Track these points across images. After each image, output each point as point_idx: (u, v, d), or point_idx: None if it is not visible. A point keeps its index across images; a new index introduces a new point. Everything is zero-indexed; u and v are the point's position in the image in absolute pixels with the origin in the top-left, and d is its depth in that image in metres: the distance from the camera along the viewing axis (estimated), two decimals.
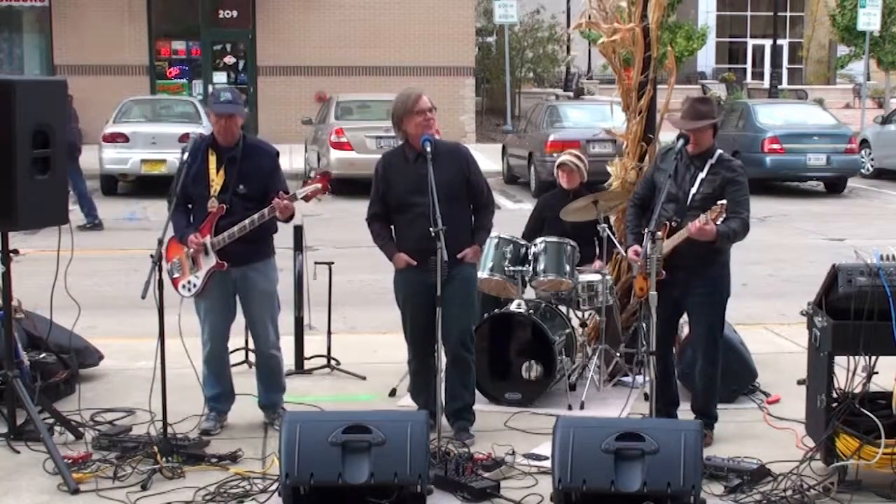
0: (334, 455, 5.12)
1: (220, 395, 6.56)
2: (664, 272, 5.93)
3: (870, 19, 29.89)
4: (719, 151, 6.22)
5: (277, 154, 6.54)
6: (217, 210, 6.27)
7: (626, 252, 6.75)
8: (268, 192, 6.25)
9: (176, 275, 6.40)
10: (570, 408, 6.96)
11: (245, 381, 6.86)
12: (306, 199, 6.21)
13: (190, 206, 6.40)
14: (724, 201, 5.95)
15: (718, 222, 5.94)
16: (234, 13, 28.50)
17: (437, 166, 6.09)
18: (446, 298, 5.99)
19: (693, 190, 6.14)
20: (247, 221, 6.20)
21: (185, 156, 6.21)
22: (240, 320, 6.64)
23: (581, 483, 5.03)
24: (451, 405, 6.36)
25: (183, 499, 5.41)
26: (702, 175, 6.15)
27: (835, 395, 5.57)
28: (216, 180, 6.30)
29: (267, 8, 28.16)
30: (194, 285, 6.36)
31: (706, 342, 6.31)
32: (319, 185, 6.18)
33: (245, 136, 6.43)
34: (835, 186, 21.06)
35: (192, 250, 6.29)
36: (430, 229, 5.86)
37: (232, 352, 7.17)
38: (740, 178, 6.18)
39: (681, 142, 6.13)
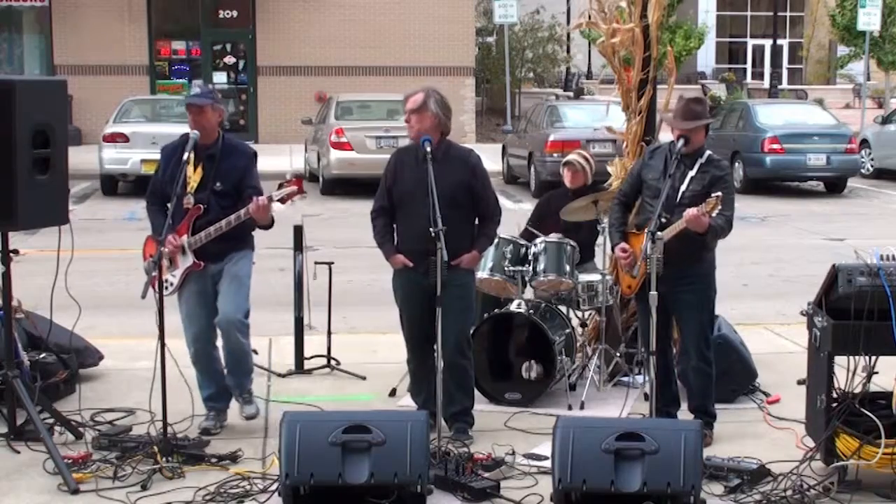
0: (334, 455, 5.12)
1: (214, 394, 6.55)
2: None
3: (870, 19, 29.87)
4: (708, 151, 6.31)
5: (255, 154, 6.53)
6: (194, 209, 6.27)
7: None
8: (242, 189, 6.25)
9: (153, 273, 6.29)
10: (570, 408, 6.96)
11: None
12: (282, 201, 6.19)
13: (168, 204, 6.25)
14: (720, 193, 5.98)
15: (714, 214, 5.98)
16: (234, 13, 28.50)
17: (442, 169, 6.10)
18: (443, 304, 5.98)
19: (683, 188, 6.19)
20: (223, 222, 6.19)
21: (160, 156, 6.28)
22: None
23: (581, 483, 5.03)
24: (449, 409, 6.34)
25: (183, 499, 5.41)
26: (692, 173, 6.22)
27: (835, 395, 5.57)
28: (193, 177, 6.30)
29: (267, 8, 28.16)
30: (171, 283, 6.33)
31: (698, 340, 6.33)
32: (295, 188, 6.16)
33: (224, 135, 6.42)
34: (835, 186, 21.06)
35: (167, 250, 6.21)
36: (430, 230, 5.85)
37: None
38: (728, 178, 6.32)
39: (681, 142, 6.15)
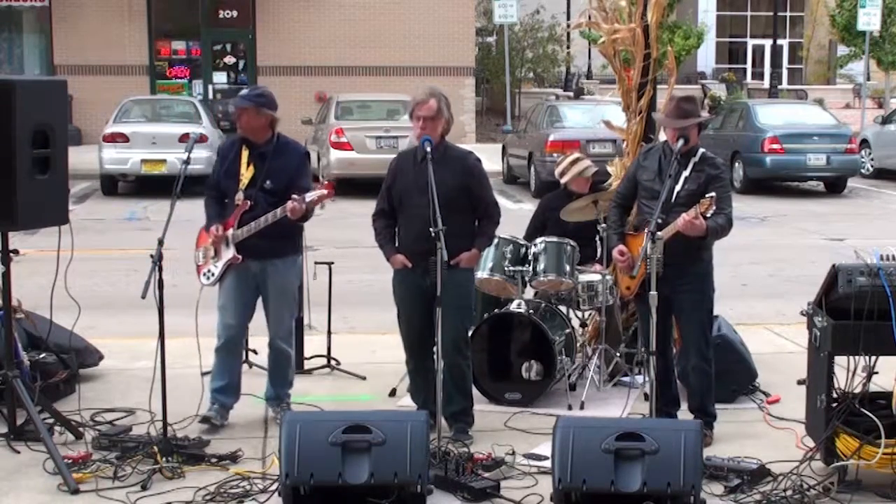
0: (334, 455, 5.12)
1: (226, 387, 6.59)
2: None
3: (870, 19, 29.89)
4: (702, 150, 6.30)
5: (307, 154, 6.73)
6: (242, 204, 6.44)
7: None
8: (291, 188, 6.39)
9: (199, 262, 6.60)
10: (570, 408, 6.96)
11: (245, 381, 6.85)
12: (312, 203, 6.32)
13: (226, 200, 6.57)
14: (713, 194, 5.99)
15: (708, 215, 5.98)
16: (234, 13, 28.50)
17: (440, 169, 6.09)
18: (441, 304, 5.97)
19: (678, 188, 6.19)
20: (262, 219, 6.36)
21: (217, 154, 6.56)
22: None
23: (581, 483, 5.03)
24: (448, 409, 6.33)
25: (183, 499, 5.41)
26: (686, 173, 6.21)
27: (835, 395, 5.57)
28: (245, 175, 6.49)
29: (267, 8, 28.16)
30: (213, 273, 6.55)
31: (698, 339, 6.33)
32: (325, 192, 6.34)
33: (279, 135, 6.60)
34: (835, 186, 21.06)
35: (211, 240, 6.47)
36: (431, 230, 5.85)
37: None
38: (724, 175, 6.31)
39: (681, 142, 6.15)
